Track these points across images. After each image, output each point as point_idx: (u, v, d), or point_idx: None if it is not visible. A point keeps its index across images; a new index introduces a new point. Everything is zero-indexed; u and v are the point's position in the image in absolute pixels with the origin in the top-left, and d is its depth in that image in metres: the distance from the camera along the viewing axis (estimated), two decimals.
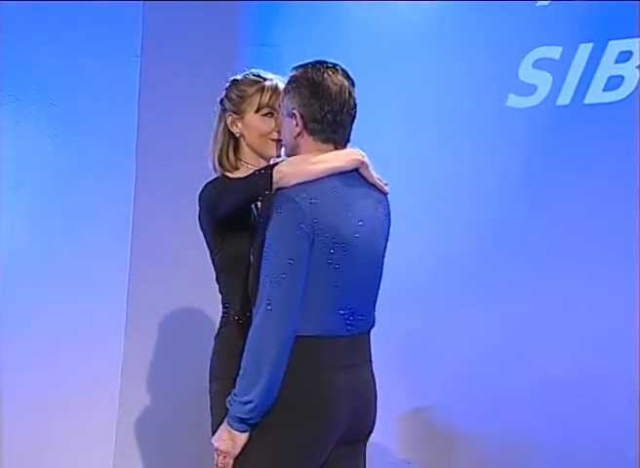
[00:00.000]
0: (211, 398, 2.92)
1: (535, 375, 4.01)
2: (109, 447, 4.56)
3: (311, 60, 2.67)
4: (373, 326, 2.74)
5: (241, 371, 2.53)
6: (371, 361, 2.73)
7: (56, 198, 4.35)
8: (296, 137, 2.67)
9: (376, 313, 2.74)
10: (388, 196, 2.75)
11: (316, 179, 2.58)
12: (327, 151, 2.66)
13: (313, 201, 2.52)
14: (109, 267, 4.44)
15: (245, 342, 2.66)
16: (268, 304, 2.52)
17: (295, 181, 2.52)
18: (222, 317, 2.90)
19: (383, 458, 4.07)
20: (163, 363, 4.49)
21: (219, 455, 2.58)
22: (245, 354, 2.54)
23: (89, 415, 4.44)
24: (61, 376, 4.33)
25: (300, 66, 2.68)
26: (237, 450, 2.56)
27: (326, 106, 2.62)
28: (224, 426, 2.57)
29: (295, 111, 2.63)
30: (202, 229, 2.89)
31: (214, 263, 2.90)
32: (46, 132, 4.30)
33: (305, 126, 2.63)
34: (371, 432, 2.75)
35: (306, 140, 2.65)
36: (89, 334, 4.39)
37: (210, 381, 2.92)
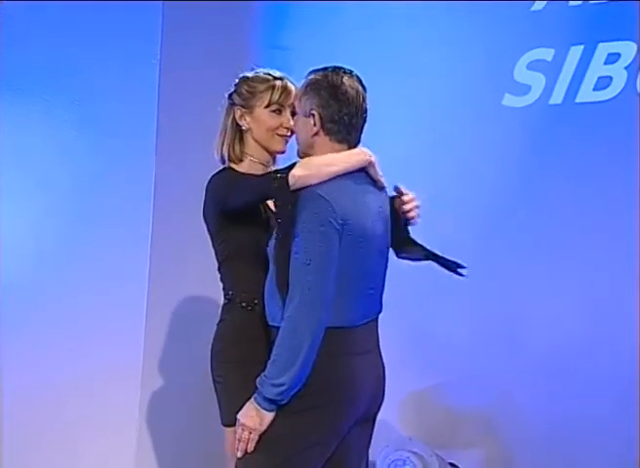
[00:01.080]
0: (217, 381, 2.98)
1: (533, 353, 4.09)
2: (133, 430, 4.64)
3: (330, 66, 2.76)
4: (381, 311, 2.85)
5: (274, 356, 2.59)
6: (379, 345, 2.85)
7: (80, 194, 4.43)
8: (312, 136, 2.74)
9: (385, 300, 2.85)
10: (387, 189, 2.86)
11: (331, 179, 2.67)
12: (340, 151, 2.73)
13: (337, 198, 2.62)
14: (130, 260, 4.51)
15: (251, 328, 2.80)
16: (303, 295, 2.58)
17: (313, 182, 2.60)
18: (226, 304, 2.95)
19: (387, 434, 4.15)
20: (182, 350, 4.57)
21: (244, 431, 2.65)
22: (279, 340, 2.59)
23: (112, 401, 4.52)
24: (87, 364, 4.41)
25: (320, 70, 2.76)
26: (263, 428, 2.62)
27: (344, 109, 2.71)
28: (253, 404, 2.63)
29: (313, 111, 2.71)
30: (205, 219, 2.94)
31: (217, 252, 2.95)
32: (72, 131, 4.39)
33: (323, 126, 2.71)
34: (379, 409, 2.87)
35: (322, 139, 2.73)
36: (112, 324, 4.45)
37: (213, 365, 2.98)
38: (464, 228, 4.24)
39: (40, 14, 4.33)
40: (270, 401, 2.59)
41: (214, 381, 2.98)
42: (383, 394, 2.86)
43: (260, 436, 2.66)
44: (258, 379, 2.62)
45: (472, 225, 4.26)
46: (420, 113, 4.40)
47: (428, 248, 2.98)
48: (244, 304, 2.88)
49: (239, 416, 2.66)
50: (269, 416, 2.61)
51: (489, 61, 4.31)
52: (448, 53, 4.38)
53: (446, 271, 2.99)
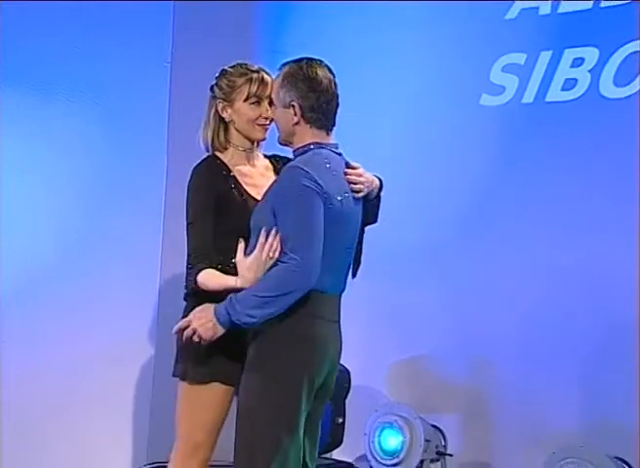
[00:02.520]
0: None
1: (509, 324, 4.32)
2: (146, 400, 4.82)
3: (301, 57, 2.88)
4: (344, 290, 2.96)
5: (258, 288, 2.68)
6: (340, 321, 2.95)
7: (99, 183, 4.67)
8: (293, 125, 2.85)
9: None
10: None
11: (311, 159, 2.79)
12: (320, 136, 2.85)
13: (317, 175, 2.76)
14: (144, 244, 4.71)
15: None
16: (302, 256, 2.69)
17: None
18: None
19: (376, 401, 4.44)
20: None
21: (191, 332, 2.73)
22: (268, 281, 2.70)
23: (127, 372, 4.73)
24: (106, 336, 4.61)
25: (293, 62, 2.86)
26: (209, 340, 2.72)
27: (321, 98, 2.83)
28: (212, 316, 2.70)
29: (293, 103, 2.82)
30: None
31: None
32: (93, 128, 4.64)
33: (303, 115, 2.83)
34: (334, 382, 2.95)
35: (303, 128, 2.86)
36: (125, 304, 4.66)
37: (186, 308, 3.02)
38: (446, 211, 4.50)
39: (61, 17, 4.58)
40: (232, 322, 2.69)
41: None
42: (336, 371, 2.97)
43: (242, 402, 2.79)
44: (230, 299, 2.69)
45: (453, 208, 4.51)
46: (406, 110, 4.67)
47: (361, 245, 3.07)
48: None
49: (192, 320, 2.74)
50: (221, 331, 2.71)
51: (468, 64, 4.59)
52: (432, 56, 4.67)
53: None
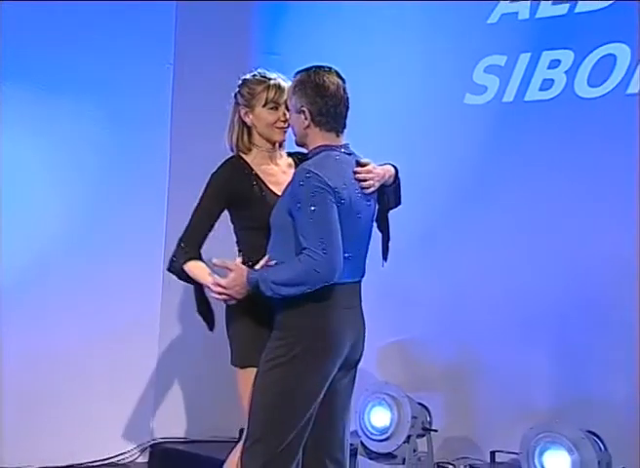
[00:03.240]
0: (229, 328, 3.21)
1: (494, 308, 4.48)
2: (151, 374, 5.01)
3: (311, 66, 3.02)
4: (364, 276, 3.10)
5: (288, 272, 2.84)
6: (361, 303, 3.09)
7: (106, 176, 4.88)
8: (305, 129, 3.00)
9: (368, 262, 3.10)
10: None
11: (321, 161, 2.92)
12: (330, 138, 2.98)
13: (326, 175, 2.89)
14: (149, 230, 4.93)
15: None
16: (324, 251, 2.81)
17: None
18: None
19: (367, 380, 4.42)
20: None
21: (224, 293, 2.92)
22: (297, 266, 2.84)
23: (133, 350, 4.92)
24: (111, 317, 4.82)
25: (304, 71, 3.01)
26: (236, 298, 2.92)
27: (329, 102, 2.96)
28: (244, 281, 2.89)
29: (303, 108, 2.97)
30: None
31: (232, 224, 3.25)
32: (100, 126, 4.82)
33: (313, 120, 2.98)
34: (360, 359, 3.11)
35: (313, 131, 3.00)
36: (131, 285, 4.88)
37: (227, 315, 3.20)
38: (434, 201, 4.68)
39: (70, 24, 4.77)
40: (260, 290, 2.87)
41: (227, 328, 3.22)
42: (364, 344, 3.11)
43: (256, 384, 2.95)
44: (263, 272, 2.89)
45: (441, 199, 4.70)
46: (398, 108, 4.85)
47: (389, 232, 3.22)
48: (252, 264, 3.07)
49: (227, 284, 2.92)
50: (247, 292, 2.92)
51: (453, 66, 4.77)
52: (420, 57, 4.85)
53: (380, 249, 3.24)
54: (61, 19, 4.76)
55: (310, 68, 3.01)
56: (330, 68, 3.02)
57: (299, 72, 3.02)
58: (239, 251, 3.22)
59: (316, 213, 2.86)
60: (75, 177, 4.81)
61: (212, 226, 3.19)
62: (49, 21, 4.75)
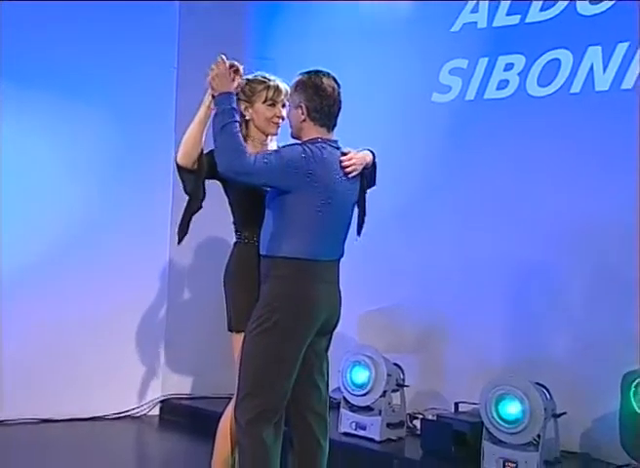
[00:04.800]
0: (226, 295, 3.40)
1: (471, 278, 4.74)
2: (160, 339, 5.31)
3: (312, 69, 3.27)
4: (342, 255, 3.31)
5: (233, 141, 3.07)
6: (339, 280, 3.31)
7: (115, 173, 5.21)
8: (301, 122, 3.24)
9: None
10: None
11: (312, 146, 3.14)
12: (322, 132, 3.22)
13: (313, 156, 3.12)
14: (155, 216, 5.29)
15: (250, 258, 3.23)
16: (265, 162, 3.06)
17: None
18: (235, 241, 3.45)
19: (348, 344, 4.82)
20: (202, 270, 5.10)
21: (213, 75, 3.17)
22: (240, 148, 3.07)
23: (144, 317, 5.24)
24: (123, 290, 5.14)
25: (306, 73, 3.27)
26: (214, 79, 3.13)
27: (324, 102, 3.21)
28: (224, 81, 3.14)
29: (301, 104, 3.22)
30: None
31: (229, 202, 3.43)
32: (109, 126, 5.12)
33: (309, 115, 3.23)
34: (335, 327, 3.37)
35: (308, 124, 3.24)
36: (142, 256, 5.21)
37: (225, 282, 3.40)
38: (409, 183, 4.98)
39: (78, 30, 5.05)
40: (217, 104, 3.16)
41: (225, 295, 3.41)
42: (339, 316, 3.34)
43: (242, 353, 3.13)
44: (230, 113, 3.13)
45: (415, 180, 5.03)
46: (376, 103, 5.20)
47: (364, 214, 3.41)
48: (246, 241, 3.38)
49: (213, 67, 3.20)
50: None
51: (422, 68, 5.12)
52: (394, 61, 5.20)
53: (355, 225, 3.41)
54: (68, 28, 4.99)
55: (312, 71, 3.28)
56: (329, 73, 3.29)
57: (301, 73, 3.29)
58: (235, 230, 3.46)
59: (283, 156, 3.14)
60: (88, 171, 5.12)
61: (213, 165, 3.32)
62: (64, 31, 5.02)
